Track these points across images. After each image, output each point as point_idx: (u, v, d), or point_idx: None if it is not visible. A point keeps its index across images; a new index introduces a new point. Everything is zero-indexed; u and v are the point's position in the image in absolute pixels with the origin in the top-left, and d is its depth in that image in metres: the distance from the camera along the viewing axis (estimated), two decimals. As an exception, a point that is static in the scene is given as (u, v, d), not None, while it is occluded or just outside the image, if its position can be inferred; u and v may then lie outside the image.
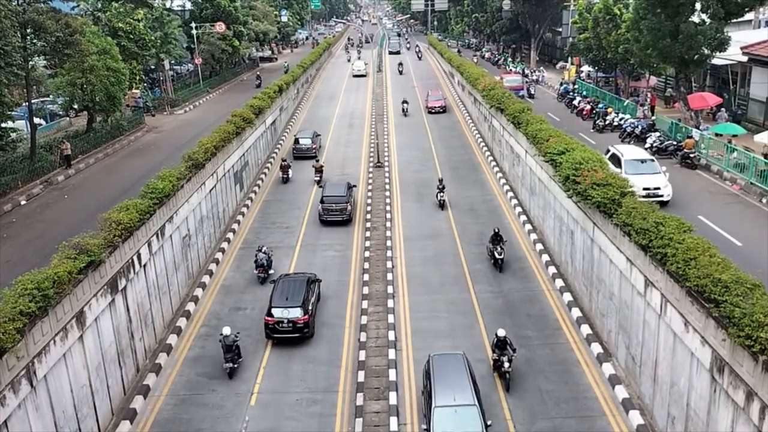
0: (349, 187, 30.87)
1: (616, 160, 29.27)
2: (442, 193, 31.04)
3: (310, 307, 20.28)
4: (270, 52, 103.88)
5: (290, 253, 26.52)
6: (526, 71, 71.94)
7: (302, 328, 19.72)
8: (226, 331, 18.44)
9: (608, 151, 30.80)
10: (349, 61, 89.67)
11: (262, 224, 30.00)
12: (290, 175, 36.57)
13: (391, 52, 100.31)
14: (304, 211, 31.29)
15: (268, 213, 31.45)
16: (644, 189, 26.09)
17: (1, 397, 11.96)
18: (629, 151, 30.40)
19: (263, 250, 24.38)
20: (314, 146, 41.26)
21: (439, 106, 53.29)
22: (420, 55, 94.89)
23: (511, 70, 71.85)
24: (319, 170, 35.73)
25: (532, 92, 56.85)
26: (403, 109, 53.00)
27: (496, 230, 24.54)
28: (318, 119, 52.58)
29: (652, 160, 29.45)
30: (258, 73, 75.18)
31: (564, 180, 20.83)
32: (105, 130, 43.29)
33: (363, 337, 19.88)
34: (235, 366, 18.28)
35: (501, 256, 23.86)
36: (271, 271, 24.11)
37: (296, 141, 41.72)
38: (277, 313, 19.77)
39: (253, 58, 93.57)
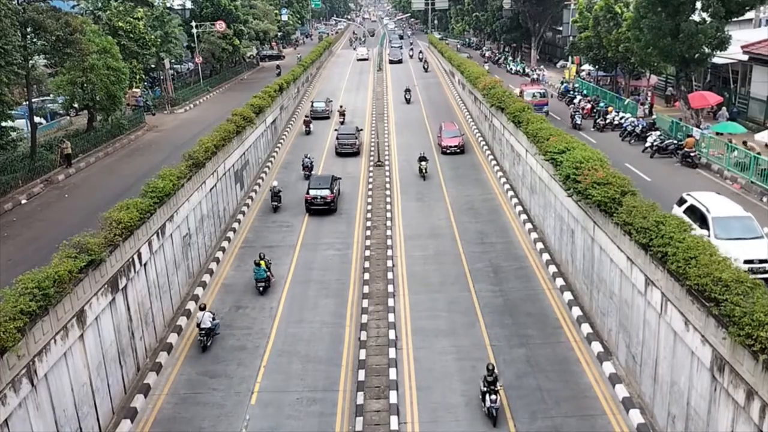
0: (357, 130, 42.01)
1: (697, 216, 21.44)
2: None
3: (334, 191, 30.62)
4: (277, 50, 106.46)
5: (290, 252, 26.55)
6: (527, 70, 71.98)
7: (330, 203, 30.26)
8: (275, 183, 31.26)
9: (683, 200, 23.07)
10: (354, 49, 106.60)
11: (263, 223, 30.02)
12: (311, 129, 47.97)
13: (392, 61, 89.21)
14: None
15: (269, 212, 31.46)
16: (745, 262, 18.71)
17: (1, 396, 11.96)
18: (717, 205, 21.86)
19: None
20: (327, 109, 53.26)
21: (455, 146, 40.24)
22: (426, 66, 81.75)
23: (530, 78, 66.43)
24: (342, 113, 49.59)
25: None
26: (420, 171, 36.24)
27: (490, 368, 16.03)
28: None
29: (750, 218, 21.20)
30: (278, 63, 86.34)
31: (564, 179, 20.83)
32: (105, 129, 43.31)
33: (363, 335, 19.90)
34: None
35: (496, 405, 15.71)
36: (273, 279, 23.65)
37: (312, 105, 53.44)
38: (312, 192, 30.26)
39: (260, 55, 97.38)
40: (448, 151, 40.38)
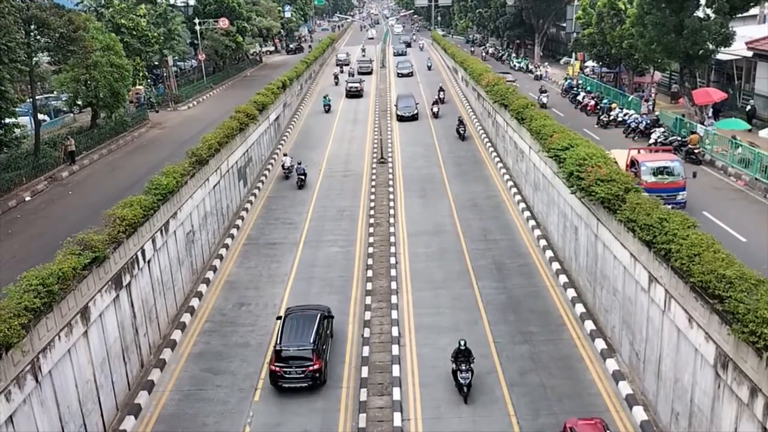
0: (360, 81, 55.88)
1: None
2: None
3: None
4: (297, 42, 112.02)
5: (294, 249, 26.58)
6: (530, 66, 71.84)
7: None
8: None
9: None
10: (366, 31, 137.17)
11: (266, 221, 30.04)
12: (339, 80, 66.59)
13: (400, 75, 71.04)
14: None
15: (272, 209, 31.50)
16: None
17: (6, 393, 12.01)
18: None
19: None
20: (348, 59, 77.90)
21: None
22: (443, 97, 54.71)
23: (534, 74, 65.25)
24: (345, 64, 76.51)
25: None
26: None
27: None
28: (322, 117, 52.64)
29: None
30: (310, 44, 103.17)
31: (568, 176, 20.80)
32: (109, 126, 43.37)
33: (366, 332, 19.91)
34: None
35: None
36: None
37: (337, 57, 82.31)
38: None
39: (287, 49, 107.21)
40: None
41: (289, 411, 16.65)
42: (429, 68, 77.66)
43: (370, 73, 72.49)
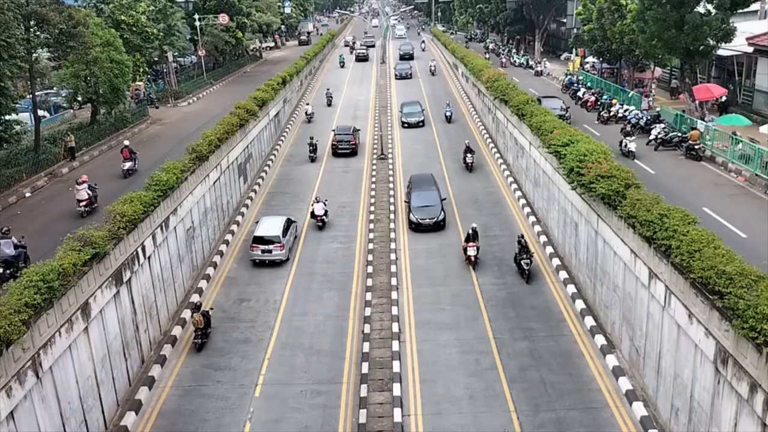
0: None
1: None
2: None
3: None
4: (307, 36, 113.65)
5: (294, 245, 26.58)
6: (530, 62, 71.71)
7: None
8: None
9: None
10: (370, 20, 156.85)
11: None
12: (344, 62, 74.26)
13: (407, 116, 47.13)
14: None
15: (273, 205, 31.49)
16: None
17: (7, 389, 12.03)
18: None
19: None
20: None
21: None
22: (449, 115, 47.74)
23: (534, 70, 65.37)
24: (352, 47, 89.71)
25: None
26: None
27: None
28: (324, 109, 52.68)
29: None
30: (320, 33, 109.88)
31: (568, 172, 20.79)
32: (109, 122, 43.28)
33: (367, 328, 19.93)
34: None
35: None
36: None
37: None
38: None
39: (299, 40, 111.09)
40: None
41: (288, 406, 16.68)
42: (449, 114, 48.34)
43: (372, 46, 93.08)
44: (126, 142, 34.89)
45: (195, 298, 22.15)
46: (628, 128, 35.59)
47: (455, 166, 36.21)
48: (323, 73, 74.72)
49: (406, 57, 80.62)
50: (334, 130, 41.11)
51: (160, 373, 18.23)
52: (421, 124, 45.85)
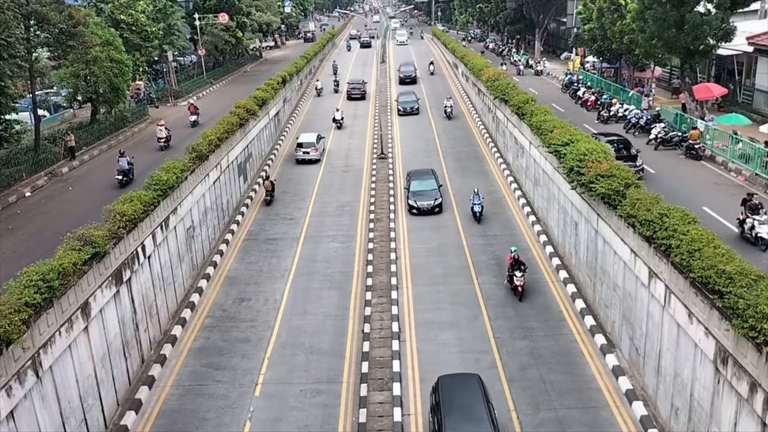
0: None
1: None
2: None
3: None
4: (311, 33, 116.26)
5: (294, 245, 26.58)
6: (530, 62, 71.69)
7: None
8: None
9: None
10: (372, 16, 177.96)
11: (267, 216, 30.05)
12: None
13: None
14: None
15: (273, 205, 31.49)
16: None
17: (7, 388, 12.03)
18: None
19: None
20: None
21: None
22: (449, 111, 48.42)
23: (534, 70, 65.06)
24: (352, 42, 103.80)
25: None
26: None
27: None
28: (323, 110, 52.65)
29: None
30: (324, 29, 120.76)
31: (568, 171, 20.79)
32: (109, 121, 43.29)
33: (367, 328, 19.94)
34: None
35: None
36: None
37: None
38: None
39: (304, 37, 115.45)
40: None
41: (288, 405, 16.69)
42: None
43: (374, 37, 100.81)
44: (191, 101, 49.44)
45: (195, 298, 22.18)
46: (755, 201, 22.12)
47: (454, 165, 36.19)
48: (330, 57, 74.78)
49: (408, 81, 62.66)
50: (348, 83, 58.08)
51: (160, 372, 18.23)
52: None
